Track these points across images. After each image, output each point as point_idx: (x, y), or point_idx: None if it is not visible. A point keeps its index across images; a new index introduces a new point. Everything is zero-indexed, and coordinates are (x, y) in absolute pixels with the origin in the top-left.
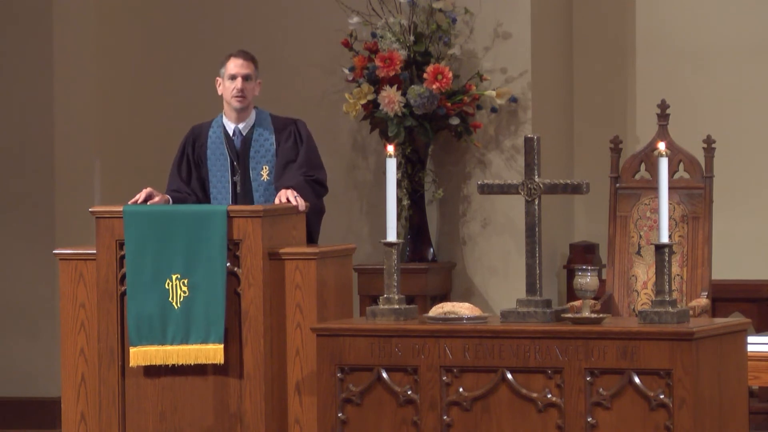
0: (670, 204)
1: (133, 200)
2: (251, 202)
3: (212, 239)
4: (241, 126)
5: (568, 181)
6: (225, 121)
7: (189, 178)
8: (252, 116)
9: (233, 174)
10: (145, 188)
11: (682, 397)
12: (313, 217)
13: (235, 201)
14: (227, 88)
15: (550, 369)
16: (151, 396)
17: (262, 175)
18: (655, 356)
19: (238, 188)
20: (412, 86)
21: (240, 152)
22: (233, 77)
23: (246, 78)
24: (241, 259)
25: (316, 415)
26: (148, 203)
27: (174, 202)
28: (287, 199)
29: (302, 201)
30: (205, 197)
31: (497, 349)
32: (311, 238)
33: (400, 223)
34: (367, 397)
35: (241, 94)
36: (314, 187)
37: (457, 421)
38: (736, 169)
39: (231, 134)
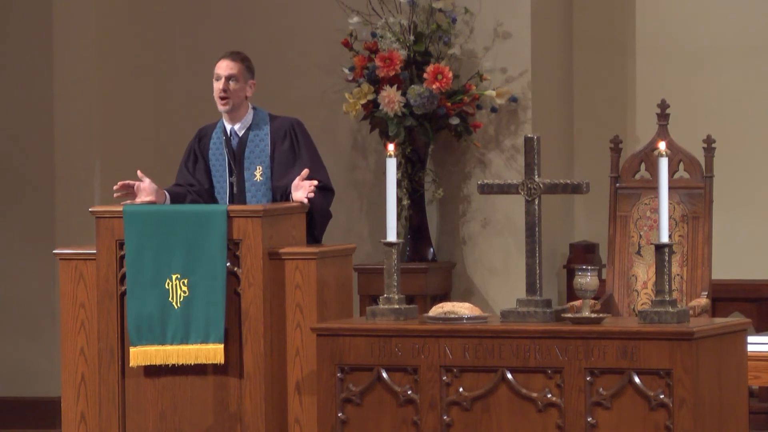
0: (670, 204)
1: (123, 182)
2: (244, 203)
3: (212, 239)
4: (236, 127)
5: (568, 181)
6: (224, 122)
7: (195, 169)
8: (248, 117)
9: (230, 174)
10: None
11: (682, 397)
12: (323, 222)
13: (231, 201)
14: (214, 90)
15: (550, 369)
16: (151, 396)
17: (255, 176)
18: (655, 356)
19: (235, 189)
20: (412, 86)
21: (236, 153)
22: (217, 78)
23: (229, 78)
24: (241, 259)
25: (316, 415)
26: (147, 200)
27: (172, 197)
28: (305, 193)
29: (310, 194)
30: (211, 188)
31: (497, 349)
32: (316, 241)
33: (400, 223)
34: (367, 397)
35: (224, 94)
36: (327, 196)
37: (457, 421)
38: (736, 169)
39: (229, 135)
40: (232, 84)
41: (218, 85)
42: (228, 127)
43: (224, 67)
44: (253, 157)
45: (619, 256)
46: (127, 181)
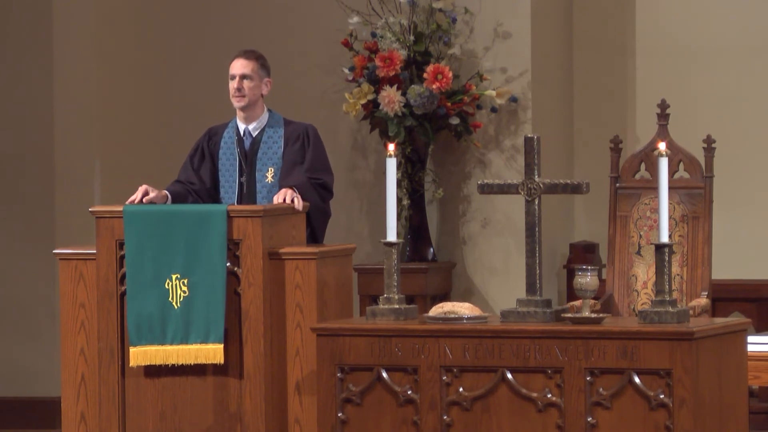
0: (670, 204)
1: (130, 200)
2: (254, 203)
3: (212, 239)
4: (251, 127)
5: (568, 181)
6: (237, 122)
7: (200, 166)
8: (263, 118)
9: (240, 174)
10: (141, 186)
11: (682, 397)
12: (319, 219)
13: (240, 201)
14: (230, 89)
15: (550, 369)
16: (151, 396)
17: (267, 177)
18: (655, 356)
19: (245, 189)
20: (412, 86)
21: (248, 153)
22: (232, 77)
23: (243, 77)
24: (241, 259)
25: (316, 415)
26: (145, 200)
27: (174, 197)
28: (284, 198)
29: (299, 200)
30: (214, 188)
31: (497, 349)
32: (316, 239)
33: (400, 223)
34: (367, 397)
35: (238, 93)
36: (318, 191)
37: (457, 421)
38: (736, 169)
39: (242, 134)
40: (246, 83)
41: (233, 84)
42: (242, 126)
43: (238, 66)
44: (266, 159)
45: (619, 256)
46: (139, 198)
